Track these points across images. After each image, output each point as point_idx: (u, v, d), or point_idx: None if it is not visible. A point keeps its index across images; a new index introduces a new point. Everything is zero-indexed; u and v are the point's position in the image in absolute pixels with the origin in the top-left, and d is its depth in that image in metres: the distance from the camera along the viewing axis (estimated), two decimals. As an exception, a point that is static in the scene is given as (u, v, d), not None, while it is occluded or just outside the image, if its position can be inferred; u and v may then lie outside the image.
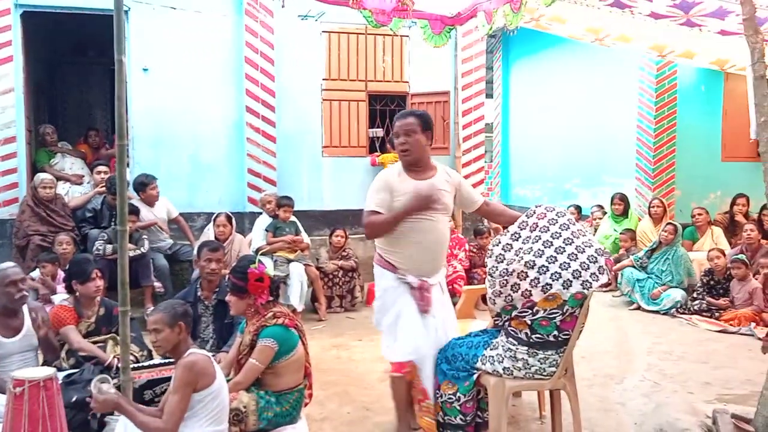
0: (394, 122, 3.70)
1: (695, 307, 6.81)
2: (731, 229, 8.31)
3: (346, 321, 6.84)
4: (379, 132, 9.46)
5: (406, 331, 3.54)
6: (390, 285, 3.60)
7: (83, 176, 7.82)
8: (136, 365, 3.97)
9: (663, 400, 4.36)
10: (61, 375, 3.71)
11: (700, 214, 8.14)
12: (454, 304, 6.27)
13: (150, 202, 7.10)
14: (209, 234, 6.70)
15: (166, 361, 3.88)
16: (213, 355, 4.08)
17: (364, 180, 8.89)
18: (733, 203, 8.52)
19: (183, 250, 7.12)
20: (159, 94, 8.22)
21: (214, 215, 6.79)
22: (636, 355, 5.50)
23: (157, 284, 6.57)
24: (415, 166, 3.62)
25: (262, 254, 6.73)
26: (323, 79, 8.96)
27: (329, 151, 9.07)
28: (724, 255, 6.97)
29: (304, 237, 7.27)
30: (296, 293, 6.70)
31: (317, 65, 8.91)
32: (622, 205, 8.79)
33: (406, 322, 3.55)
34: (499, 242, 3.42)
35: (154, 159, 8.17)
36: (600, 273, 3.23)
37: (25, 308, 4.02)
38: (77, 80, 11.43)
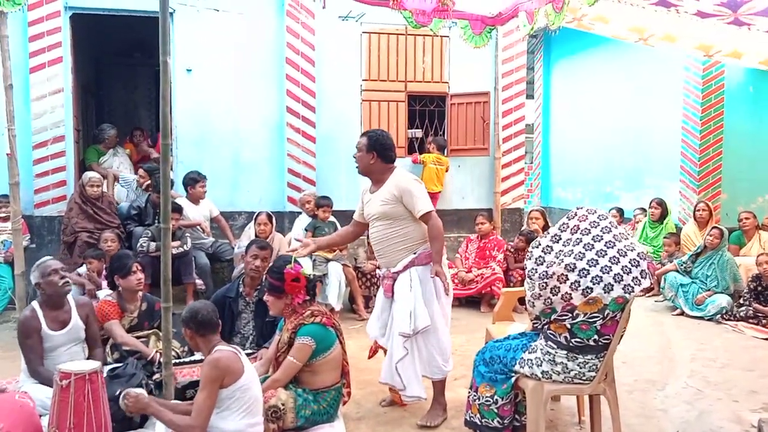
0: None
1: (741, 314, 6.67)
2: (780, 233, 8.08)
3: (383, 321, 6.84)
4: (418, 133, 9.45)
5: (377, 312, 4.23)
6: (379, 274, 4.32)
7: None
8: (177, 360, 4.05)
9: (706, 407, 4.27)
10: (105, 369, 3.80)
11: (747, 218, 7.97)
12: (493, 305, 6.25)
13: (196, 199, 7.25)
14: (250, 233, 6.78)
15: (196, 359, 3.96)
16: (253, 353, 4.15)
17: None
18: (782, 207, 8.29)
19: (223, 248, 7.23)
20: (202, 95, 8.35)
21: (256, 214, 6.86)
22: (678, 361, 5.39)
23: (198, 281, 6.68)
24: (369, 178, 4.25)
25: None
26: (363, 80, 8.99)
27: (368, 152, 9.06)
28: (773, 260, 6.78)
29: (343, 237, 7.28)
30: (334, 292, 6.74)
31: (357, 66, 8.94)
32: (659, 210, 8.62)
33: (378, 306, 4.22)
34: (539, 244, 3.39)
35: (196, 158, 8.30)
36: (642, 277, 3.19)
37: (72, 301, 4.13)
38: (123, 81, 11.71)
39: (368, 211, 4.15)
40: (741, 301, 6.84)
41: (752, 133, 9.13)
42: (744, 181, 9.07)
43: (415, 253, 4.00)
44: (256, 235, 6.64)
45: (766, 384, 4.77)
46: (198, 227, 7.14)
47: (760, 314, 6.57)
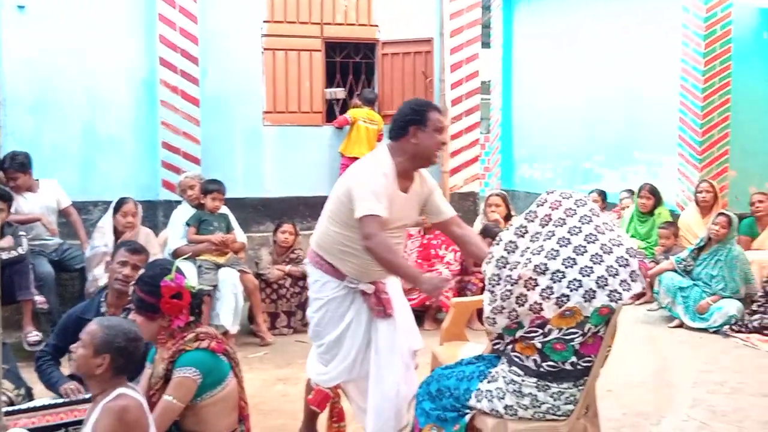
0: (430, 113, 3.87)
1: (755, 324, 6.88)
2: (802, 220, 8.40)
3: (295, 346, 6.80)
4: (340, 93, 9.43)
5: (349, 347, 3.91)
6: (337, 294, 3.89)
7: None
8: (10, 408, 3.91)
9: (713, 445, 4.42)
10: None
11: (761, 202, 8.20)
12: (440, 321, 6.31)
13: (21, 189, 6.95)
14: (106, 228, 6.61)
15: (57, 402, 3.83)
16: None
17: (320, 157, 8.87)
18: (803, 187, 8.60)
19: (73, 253, 7.01)
20: (40, 42, 8.11)
21: (116, 201, 6.70)
22: (678, 387, 5.55)
23: (38, 298, 6.44)
24: (414, 171, 3.95)
25: (180, 258, 6.69)
26: (264, 22, 8.89)
27: (272, 119, 9.01)
28: (794, 255, 7.04)
29: (239, 234, 7.21)
30: (228, 310, 6.64)
31: (256, 3, 8.83)
32: (651, 200, 8.78)
33: (352, 338, 3.90)
34: (500, 240, 3.41)
35: (34, 128, 8.10)
36: (633, 280, 3.24)
37: None
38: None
39: (400, 216, 3.92)
40: (754, 307, 7.05)
41: (766, 93, 9.46)
42: (757, 154, 9.41)
43: None
44: (117, 232, 6.49)
45: (786, 412, 4.97)
46: (38, 223, 6.90)
47: (777, 324, 6.81)
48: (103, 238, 6.58)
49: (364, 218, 3.65)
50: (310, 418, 4.31)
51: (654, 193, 8.84)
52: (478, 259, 3.99)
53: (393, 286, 4.05)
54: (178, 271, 3.61)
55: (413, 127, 3.79)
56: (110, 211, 6.72)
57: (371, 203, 3.64)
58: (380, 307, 3.88)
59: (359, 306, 3.92)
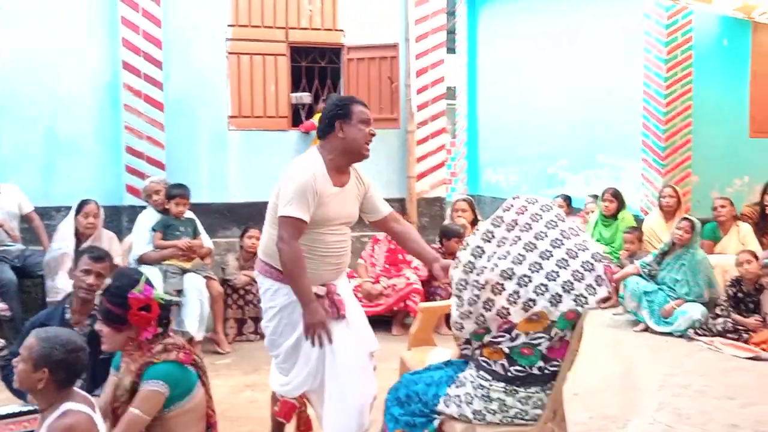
0: (353, 106, 3.89)
1: (718, 328, 6.96)
2: (762, 225, 8.50)
3: (262, 351, 6.69)
4: (306, 97, 9.40)
5: (308, 353, 3.88)
6: (290, 300, 3.85)
7: None
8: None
9: (678, 448, 4.46)
10: None
11: (723, 207, 8.31)
12: (408, 326, 6.29)
13: None
14: (66, 230, 6.54)
15: (24, 410, 3.77)
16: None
17: (286, 161, 8.63)
18: (764, 192, 8.65)
19: (35, 259, 6.92)
20: (0, 44, 8.02)
21: (78, 203, 6.64)
22: (644, 390, 5.60)
23: (1, 305, 6.39)
24: (347, 166, 3.97)
25: (146, 263, 6.63)
26: (229, 26, 8.85)
27: (238, 123, 8.97)
28: (757, 259, 7.10)
29: (205, 239, 7.16)
30: (194, 316, 6.59)
31: (221, 6, 8.79)
32: (614, 204, 8.92)
33: (309, 342, 3.84)
34: (467, 245, 3.42)
35: (-7, 132, 7.97)
36: (598, 284, 3.26)
37: None
38: None
39: (339, 212, 3.92)
40: (717, 311, 7.12)
41: (728, 99, 9.59)
42: (718, 158, 9.53)
43: None
44: (77, 233, 6.45)
45: (749, 415, 5.01)
46: (0, 229, 6.81)
47: (740, 327, 6.87)
48: (63, 240, 6.52)
49: (283, 219, 3.70)
50: (278, 429, 4.29)
51: (617, 196, 8.93)
52: (418, 255, 4.24)
53: (344, 287, 4.10)
54: (147, 282, 3.57)
55: (338, 122, 3.83)
56: (72, 213, 6.66)
57: (293, 206, 3.68)
58: (333, 309, 3.90)
59: None
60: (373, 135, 3.90)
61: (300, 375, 3.92)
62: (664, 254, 7.51)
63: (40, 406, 3.07)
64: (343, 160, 3.88)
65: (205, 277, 6.86)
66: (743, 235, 8.19)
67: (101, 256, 4.60)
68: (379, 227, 4.33)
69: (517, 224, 3.37)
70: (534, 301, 3.20)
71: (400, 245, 4.61)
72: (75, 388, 3.12)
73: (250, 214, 8.49)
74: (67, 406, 3.01)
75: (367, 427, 3.93)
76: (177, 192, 7.03)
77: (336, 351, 3.86)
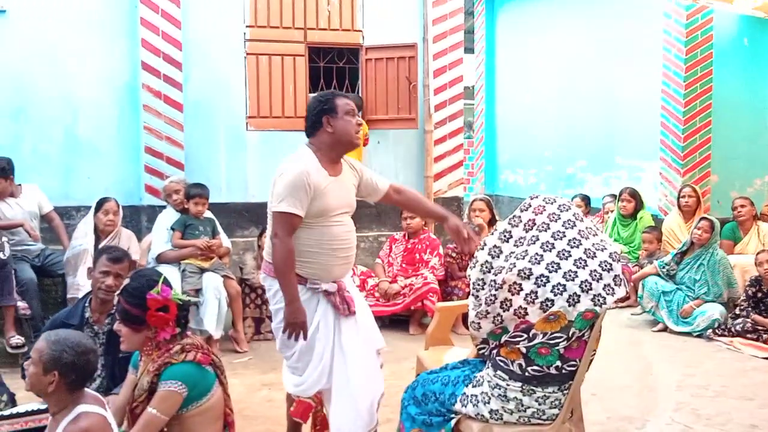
0: (336, 100, 3.97)
1: (738, 328, 6.94)
2: (783, 225, 8.46)
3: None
4: (323, 98, 9.40)
5: (321, 351, 3.90)
6: (302, 299, 3.84)
7: None
8: (-4, 414, 3.89)
9: (697, 448, 4.44)
10: None
11: (743, 206, 8.29)
12: (425, 326, 6.29)
13: (3, 195, 6.91)
14: (86, 227, 6.60)
15: (43, 407, 3.80)
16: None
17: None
18: (785, 191, 8.68)
19: (55, 258, 6.97)
20: (20, 46, 8.05)
21: (98, 200, 6.70)
22: (662, 391, 5.59)
23: (21, 304, 6.41)
24: (340, 157, 4.04)
25: (165, 262, 6.67)
26: (248, 27, 8.86)
27: (256, 123, 8.99)
28: (776, 258, 7.08)
29: (223, 239, 7.19)
30: (212, 315, 6.61)
31: (240, 7, 8.81)
32: (632, 203, 8.90)
33: (321, 340, 3.89)
34: (485, 245, 3.42)
35: (13, 134, 8.02)
36: (616, 284, 3.26)
37: None
38: None
39: (339, 201, 3.95)
40: (737, 311, 7.11)
41: (747, 98, 9.54)
42: (738, 159, 9.48)
43: None
44: (98, 231, 6.48)
45: (768, 415, 5.01)
46: (21, 228, 6.86)
47: (760, 327, 6.85)
48: (83, 237, 6.57)
49: (276, 215, 3.78)
50: (294, 429, 4.29)
51: (634, 196, 8.91)
52: (430, 215, 4.35)
53: (351, 284, 4.14)
54: (165, 282, 3.58)
55: (325, 117, 3.89)
56: (91, 210, 6.70)
57: (286, 202, 3.75)
58: (344, 305, 3.92)
59: (324, 307, 3.92)
60: (360, 125, 3.99)
61: (313, 374, 3.91)
62: (683, 254, 7.49)
63: (51, 409, 3.07)
64: (335, 153, 3.96)
65: (224, 276, 6.88)
66: (763, 235, 8.17)
67: (119, 257, 4.61)
68: (386, 202, 4.41)
69: (534, 224, 3.37)
70: (552, 300, 3.19)
71: (411, 212, 4.66)
72: (85, 389, 3.13)
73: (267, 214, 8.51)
74: (81, 408, 3.00)
75: (375, 425, 3.93)
76: (196, 192, 7.06)
77: (345, 349, 3.89)
